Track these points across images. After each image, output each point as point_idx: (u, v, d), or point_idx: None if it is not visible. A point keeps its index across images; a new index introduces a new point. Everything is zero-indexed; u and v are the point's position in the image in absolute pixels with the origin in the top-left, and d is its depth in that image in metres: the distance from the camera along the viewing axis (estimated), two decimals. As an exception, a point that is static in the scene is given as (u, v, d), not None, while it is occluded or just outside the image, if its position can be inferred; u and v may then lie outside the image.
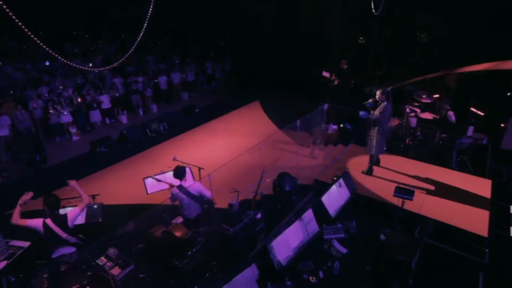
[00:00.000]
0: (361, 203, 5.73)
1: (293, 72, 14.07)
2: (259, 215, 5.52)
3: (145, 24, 5.15)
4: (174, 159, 5.95)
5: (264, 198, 6.43)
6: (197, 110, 12.39)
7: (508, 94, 8.97)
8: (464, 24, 11.96)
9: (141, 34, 5.25)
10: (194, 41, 18.11)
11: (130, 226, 5.46)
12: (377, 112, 5.87)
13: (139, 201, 6.69)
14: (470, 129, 6.73)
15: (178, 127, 11.02)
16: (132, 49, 5.32)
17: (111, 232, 4.88)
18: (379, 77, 13.35)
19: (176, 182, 5.13)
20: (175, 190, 5.10)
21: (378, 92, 5.93)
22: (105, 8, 16.96)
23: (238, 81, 15.88)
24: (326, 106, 6.74)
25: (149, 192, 6.00)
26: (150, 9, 5.02)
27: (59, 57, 5.32)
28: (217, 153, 9.04)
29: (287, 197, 5.88)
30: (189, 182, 5.21)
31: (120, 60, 5.98)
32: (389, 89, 5.88)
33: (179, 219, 5.89)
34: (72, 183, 4.36)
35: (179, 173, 5.12)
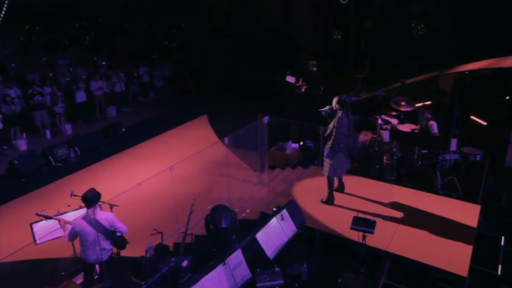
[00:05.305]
0: (316, 240, 5.96)
1: (251, 77, 14.51)
2: (185, 263, 5.60)
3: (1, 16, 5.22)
4: (72, 195, 5.96)
5: (197, 240, 6.54)
6: (123, 129, 12.45)
7: (507, 97, 9.70)
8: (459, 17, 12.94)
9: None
10: (126, 39, 18.32)
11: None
12: (331, 125, 6.23)
13: (26, 256, 6.56)
14: (453, 142, 7.18)
15: (96, 152, 11.00)
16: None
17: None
18: (361, 81, 14.01)
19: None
20: (77, 222, 5.06)
21: (333, 101, 6.31)
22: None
23: (182, 91, 16.23)
24: (266, 119, 7.05)
25: (38, 242, 5.92)
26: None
27: None
28: (147, 184, 9.06)
29: (224, 236, 6.01)
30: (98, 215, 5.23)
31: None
32: (346, 97, 6.27)
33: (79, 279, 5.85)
34: None
35: (90, 197, 5.13)
